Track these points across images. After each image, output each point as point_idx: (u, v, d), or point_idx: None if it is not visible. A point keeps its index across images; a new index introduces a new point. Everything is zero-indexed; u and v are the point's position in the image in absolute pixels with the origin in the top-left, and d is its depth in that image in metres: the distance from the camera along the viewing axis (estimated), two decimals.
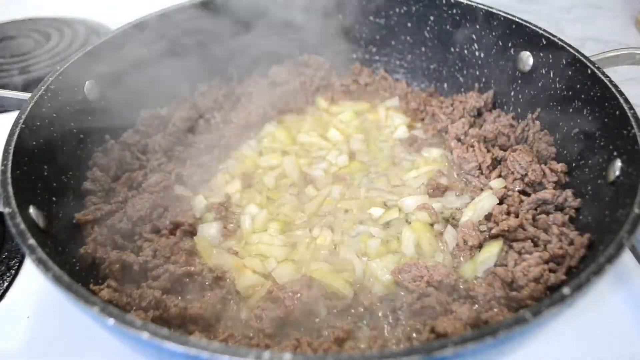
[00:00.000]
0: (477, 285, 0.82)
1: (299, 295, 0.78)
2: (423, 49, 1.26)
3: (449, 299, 0.79)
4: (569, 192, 0.90)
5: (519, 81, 1.08)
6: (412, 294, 0.81)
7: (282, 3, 1.22)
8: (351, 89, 1.30)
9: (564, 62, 0.96)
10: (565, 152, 0.97)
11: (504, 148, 1.05)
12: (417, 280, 0.82)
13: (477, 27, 1.13)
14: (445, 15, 1.17)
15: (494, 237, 0.90)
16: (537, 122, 1.04)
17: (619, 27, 1.74)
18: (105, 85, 1.02)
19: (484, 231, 0.92)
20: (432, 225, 0.96)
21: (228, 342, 0.73)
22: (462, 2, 1.14)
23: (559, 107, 0.98)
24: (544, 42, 1.00)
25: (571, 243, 0.82)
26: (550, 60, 0.99)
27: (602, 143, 0.86)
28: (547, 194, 0.90)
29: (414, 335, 0.76)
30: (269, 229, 0.96)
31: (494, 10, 1.08)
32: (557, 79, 0.98)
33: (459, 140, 1.10)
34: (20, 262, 0.97)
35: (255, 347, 0.72)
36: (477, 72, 1.18)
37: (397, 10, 1.24)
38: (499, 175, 1.01)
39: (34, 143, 0.83)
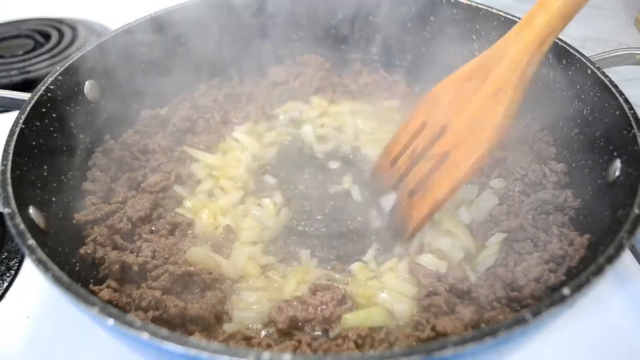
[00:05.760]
0: (478, 286, 0.81)
1: (324, 306, 0.77)
2: (423, 49, 1.26)
3: (456, 301, 0.79)
4: (569, 192, 0.90)
5: None
6: (422, 289, 0.81)
7: (281, 3, 1.22)
8: (351, 89, 1.29)
9: (564, 62, 0.96)
10: (565, 152, 0.97)
11: (503, 148, 1.05)
12: (431, 276, 0.82)
13: (477, 27, 1.12)
14: (445, 15, 1.17)
15: (493, 237, 0.89)
16: (537, 122, 1.04)
17: (619, 27, 1.74)
18: (105, 85, 1.02)
19: (485, 231, 0.92)
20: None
21: (228, 342, 0.73)
22: (462, 2, 1.13)
23: (559, 107, 0.98)
24: None
25: (571, 243, 0.82)
26: (550, 61, 0.99)
27: (602, 143, 0.86)
28: (547, 194, 0.90)
29: (415, 332, 0.76)
30: None
31: (494, 11, 1.08)
32: (557, 79, 0.98)
33: None
34: (20, 262, 0.97)
35: (256, 346, 0.73)
36: None
37: (397, 10, 1.24)
38: (499, 176, 1.01)
39: (34, 143, 0.83)
